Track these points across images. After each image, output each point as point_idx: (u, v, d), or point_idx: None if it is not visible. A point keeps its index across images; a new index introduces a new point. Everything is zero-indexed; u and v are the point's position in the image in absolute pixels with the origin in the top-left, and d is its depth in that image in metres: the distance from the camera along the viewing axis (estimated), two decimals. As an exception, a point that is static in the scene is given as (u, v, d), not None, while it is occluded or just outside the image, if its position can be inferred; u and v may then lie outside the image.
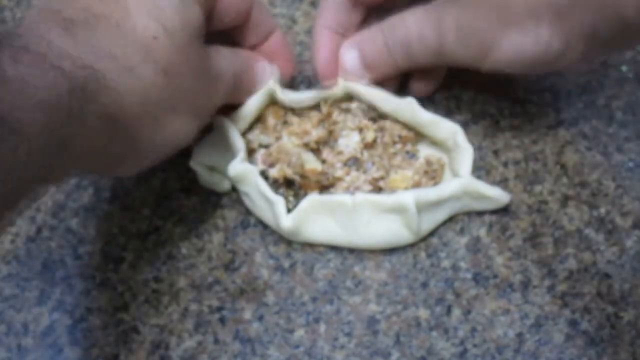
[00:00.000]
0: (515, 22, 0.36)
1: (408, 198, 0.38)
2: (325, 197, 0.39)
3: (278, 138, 0.42)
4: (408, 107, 0.41)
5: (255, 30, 0.41)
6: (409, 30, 0.39)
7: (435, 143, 0.42)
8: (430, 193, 0.39)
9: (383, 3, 0.42)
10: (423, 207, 0.39)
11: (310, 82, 0.46)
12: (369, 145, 0.42)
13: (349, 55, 0.41)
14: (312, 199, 0.39)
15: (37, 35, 0.30)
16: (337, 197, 0.39)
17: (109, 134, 0.32)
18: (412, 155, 0.42)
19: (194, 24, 0.35)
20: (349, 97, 0.42)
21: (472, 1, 0.37)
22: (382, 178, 0.41)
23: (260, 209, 0.41)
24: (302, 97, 0.42)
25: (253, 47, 0.42)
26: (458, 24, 0.38)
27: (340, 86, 0.41)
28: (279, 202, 0.39)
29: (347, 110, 0.42)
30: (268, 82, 0.41)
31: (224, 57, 0.38)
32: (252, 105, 0.41)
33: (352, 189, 0.40)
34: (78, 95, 0.29)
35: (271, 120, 0.42)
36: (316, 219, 0.40)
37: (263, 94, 0.41)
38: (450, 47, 0.38)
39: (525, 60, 0.38)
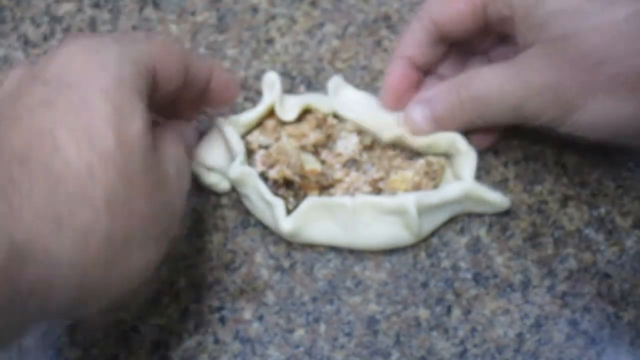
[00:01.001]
0: (607, 87, 0.35)
1: (409, 201, 0.38)
2: (325, 199, 0.39)
3: (277, 139, 0.42)
4: (399, 141, 0.41)
5: (194, 84, 0.37)
6: (488, 86, 0.38)
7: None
8: (432, 196, 0.39)
9: (468, 43, 0.42)
10: (424, 210, 0.39)
11: (310, 82, 0.46)
12: (367, 147, 0.42)
13: (418, 110, 0.40)
14: (312, 201, 0.39)
15: None
16: (337, 199, 0.39)
17: (43, 300, 0.28)
18: (412, 156, 0.42)
19: (134, 132, 0.30)
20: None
21: (560, 59, 0.36)
22: (381, 179, 0.41)
23: (260, 211, 0.41)
24: (295, 112, 0.42)
25: (198, 96, 0.39)
26: (544, 82, 0.36)
27: (329, 108, 0.42)
28: (279, 205, 0.39)
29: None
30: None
31: (174, 149, 0.35)
32: (254, 114, 0.42)
33: (351, 190, 0.40)
34: (15, 260, 0.26)
35: (270, 122, 0.42)
36: (316, 221, 0.40)
37: (265, 106, 0.42)
38: (531, 106, 0.37)
39: (607, 126, 0.36)
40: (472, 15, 0.39)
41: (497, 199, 0.40)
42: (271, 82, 0.43)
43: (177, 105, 0.39)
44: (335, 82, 0.43)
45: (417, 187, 0.40)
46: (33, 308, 0.28)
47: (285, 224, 0.39)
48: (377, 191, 0.41)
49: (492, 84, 0.38)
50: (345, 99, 0.43)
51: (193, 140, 0.41)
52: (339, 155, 0.41)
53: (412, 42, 0.41)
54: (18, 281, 0.27)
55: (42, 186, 0.28)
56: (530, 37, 0.37)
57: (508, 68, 0.38)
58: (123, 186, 0.30)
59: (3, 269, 0.26)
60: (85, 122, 0.29)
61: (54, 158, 0.28)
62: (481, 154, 0.43)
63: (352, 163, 0.41)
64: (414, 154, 0.42)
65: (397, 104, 0.42)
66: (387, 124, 0.41)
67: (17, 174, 0.28)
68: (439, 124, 0.40)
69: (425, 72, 0.43)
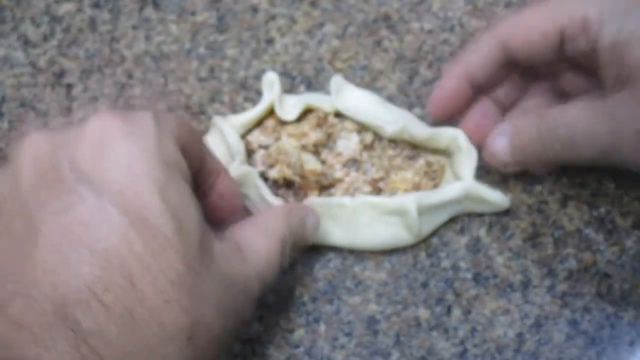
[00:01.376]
0: None
1: (409, 201, 0.38)
2: (325, 200, 0.39)
3: (277, 139, 0.42)
4: (403, 132, 0.41)
5: (206, 173, 0.34)
6: (574, 127, 0.36)
7: (437, 151, 0.42)
8: (432, 197, 0.39)
9: (533, 69, 0.40)
10: (424, 210, 0.39)
11: (310, 82, 0.46)
12: (368, 147, 0.42)
13: (499, 143, 0.39)
14: (311, 202, 0.39)
15: None
16: (337, 200, 0.39)
17: None
18: (412, 156, 0.42)
19: (196, 239, 0.28)
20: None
21: None
22: (381, 179, 0.41)
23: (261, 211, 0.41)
24: (296, 112, 0.42)
25: (203, 191, 0.35)
26: (638, 128, 0.34)
27: (331, 106, 0.42)
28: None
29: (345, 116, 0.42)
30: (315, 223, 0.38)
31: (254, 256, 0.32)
32: (253, 114, 0.42)
33: (351, 190, 0.40)
34: None
35: (270, 122, 0.42)
36: None
37: (264, 106, 0.42)
38: (622, 152, 0.35)
39: None
40: (549, 46, 0.38)
41: (497, 198, 0.40)
42: (271, 82, 0.43)
43: None
44: (337, 81, 0.43)
45: (417, 187, 0.40)
46: None
47: None
48: (377, 191, 0.41)
49: (580, 124, 0.36)
50: (348, 97, 0.43)
51: (308, 226, 0.37)
52: (339, 154, 0.41)
53: (477, 59, 0.39)
54: None
55: (130, 336, 0.25)
56: (622, 78, 0.35)
57: (597, 108, 0.36)
58: (199, 312, 0.27)
59: None
60: (150, 243, 0.26)
61: (132, 299, 0.26)
62: (481, 153, 0.43)
63: (352, 163, 0.41)
64: (414, 153, 0.42)
65: (443, 114, 0.41)
66: (389, 121, 0.41)
67: (103, 322, 0.25)
68: (520, 160, 0.39)
69: (480, 90, 0.41)
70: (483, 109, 0.41)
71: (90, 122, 0.28)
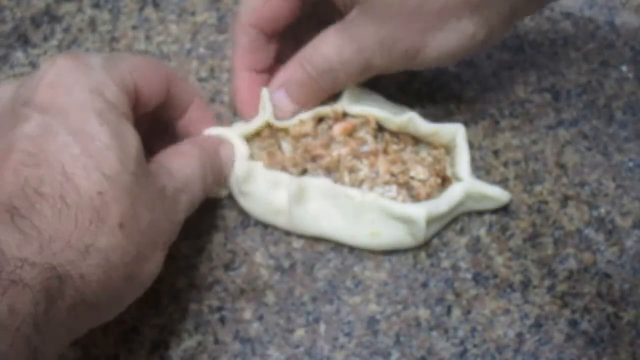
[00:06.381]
0: (435, 23, 0.36)
1: (420, 213, 0.38)
2: (335, 186, 0.39)
3: (276, 145, 0.41)
4: (410, 123, 0.41)
5: (174, 104, 0.39)
6: (328, 57, 0.38)
7: (437, 147, 0.42)
8: (440, 207, 0.39)
9: (296, 32, 0.42)
10: (432, 220, 0.39)
11: (310, 82, 0.46)
12: (368, 146, 0.41)
13: (277, 97, 0.41)
14: (323, 183, 0.39)
15: None
16: (346, 191, 0.39)
17: (77, 317, 0.30)
18: (411, 158, 0.42)
19: (133, 151, 0.32)
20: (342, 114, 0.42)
21: (385, 13, 0.36)
22: (380, 180, 0.41)
23: (264, 206, 0.40)
24: (298, 118, 0.42)
25: (175, 119, 0.41)
26: (378, 38, 0.37)
27: (338, 107, 0.41)
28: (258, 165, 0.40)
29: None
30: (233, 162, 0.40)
31: (177, 170, 0.36)
32: (249, 129, 0.42)
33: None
34: (43, 301, 0.27)
35: (267, 130, 0.42)
36: (321, 205, 0.39)
37: (260, 121, 0.41)
38: (376, 62, 0.38)
39: (453, 54, 0.38)
40: (288, 3, 0.40)
41: (497, 192, 0.40)
42: (263, 102, 0.41)
43: (155, 129, 0.40)
44: (351, 91, 0.43)
45: (418, 186, 0.40)
46: (68, 324, 0.29)
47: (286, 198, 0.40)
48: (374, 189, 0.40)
49: (331, 55, 0.38)
50: (352, 96, 0.43)
51: (231, 153, 0.40)
52: (340, 155, 0.41)
53: (244, 53, 0.41)
54: (59, 305, 0.28)
55: (64, 218, 0.29)
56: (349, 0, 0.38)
57: (340, 34, 0.38)
58: (131, 204, 0.31)
59: (47, 297, 0.28)
60: (87, 147, 0.30)
61: (67, 189, 0.29)
62: (481, 153, 0.43)
63: (351, 162, 0.41)
64: (415, 151, 0.42)
65: (255, 110, 0.42)
66: (395, 114, 0.41)
67: (39, 207, 0.29)
68: (300, 103, 0.41)
69: (271, 68, 0.43)
70: (250, 83, 0.42)
71: (47, 66, 0.33)
